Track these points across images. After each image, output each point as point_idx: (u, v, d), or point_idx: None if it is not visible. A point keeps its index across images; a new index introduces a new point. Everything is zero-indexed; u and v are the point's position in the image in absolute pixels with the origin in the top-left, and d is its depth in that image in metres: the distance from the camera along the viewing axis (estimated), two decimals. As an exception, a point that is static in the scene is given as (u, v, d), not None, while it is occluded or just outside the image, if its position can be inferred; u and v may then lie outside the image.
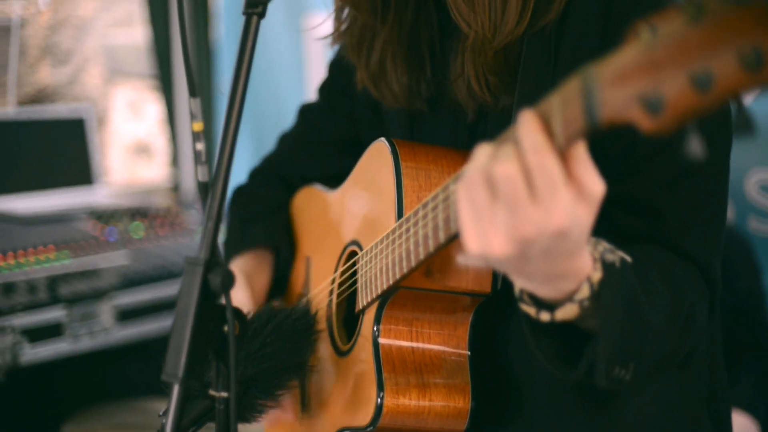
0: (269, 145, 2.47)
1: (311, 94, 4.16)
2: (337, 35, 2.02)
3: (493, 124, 1.81)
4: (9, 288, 3.36)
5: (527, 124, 1.15)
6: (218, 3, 4.80)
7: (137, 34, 5.02)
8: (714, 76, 0.94)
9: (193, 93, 1.51)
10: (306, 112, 2.37)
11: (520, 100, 1.71)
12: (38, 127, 4.32)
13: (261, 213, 2.32)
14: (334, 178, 2.16)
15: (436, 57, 1.95)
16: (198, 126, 1.50)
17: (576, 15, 1.67)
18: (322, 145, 2.31)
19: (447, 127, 1.93)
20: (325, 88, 2.31)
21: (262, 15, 1.51)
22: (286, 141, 2.41)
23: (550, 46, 1.69)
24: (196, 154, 1.52)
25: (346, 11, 1.99)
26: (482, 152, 1.22)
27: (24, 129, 4.27)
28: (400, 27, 1.94)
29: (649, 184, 1.60)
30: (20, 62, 4.76)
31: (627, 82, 1.02)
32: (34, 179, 4.24)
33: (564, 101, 1.11)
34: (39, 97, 4.91)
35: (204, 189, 1.49)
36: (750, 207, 3.22)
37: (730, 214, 3.20)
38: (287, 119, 2.47)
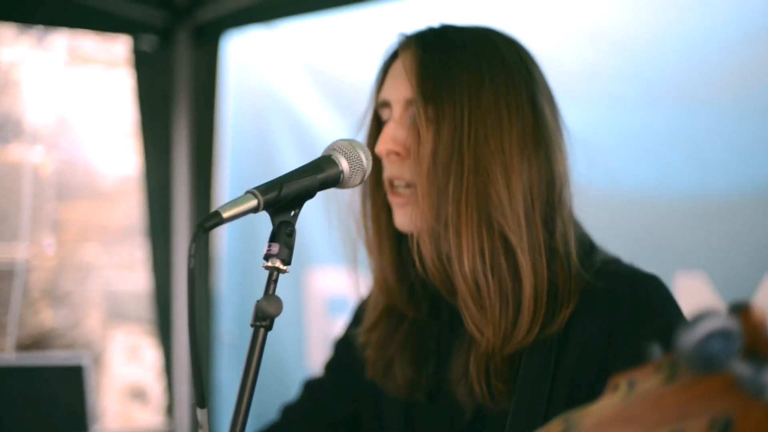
0: (270, 412, 2.49)
1: (311, 353, 4.21)
2: (366, 332, 2.09)
3: (491, 425, 1.85)
4: None
5: None
6: (221, 252, 4.89)
7: (139, 279, 5.11)
8: None
9: (201, 404, 1.54)
10: (310, 386, 2.40)
11: (517, 407, 1.75)
12: (36, 373, 4.32)
13: None
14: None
15: (441, 352, 2.01)
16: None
17: (579, 331, 1.74)
18: (323, 423, 2.33)
19: (443, 421, 1.97)
20: (330, 366, 2.35)
21: (269, 328, 1.57)
22: (288, 413, 2.43)
23: (551, 358, 1.75)
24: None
25: (373, 313, 2.07)
26: None
27: (22, 374, 4.26)
28: (413, 327, 2.01)
29: None
30: (22, 305, 4.81)
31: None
32: (28, 426, 4.21)
33: None
34: (39, 340, 4.94)
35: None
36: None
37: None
38: (287, 386, 2.49)
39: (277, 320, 1.57)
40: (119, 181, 5.26)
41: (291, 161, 4.43)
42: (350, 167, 1.72)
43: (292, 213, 1.64)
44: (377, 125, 1.99)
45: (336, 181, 1.72)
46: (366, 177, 1.77)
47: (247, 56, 4.83)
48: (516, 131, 1.82)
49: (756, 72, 2.71)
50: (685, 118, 2.91)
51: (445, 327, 2.02)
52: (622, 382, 1.06)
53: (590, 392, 1.71)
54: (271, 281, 1.58)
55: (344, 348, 2.26)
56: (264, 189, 1.60)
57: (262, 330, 1.57)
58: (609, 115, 3.15)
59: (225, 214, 1.53)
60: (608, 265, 1.84)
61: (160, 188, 4.83)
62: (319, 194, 1.70)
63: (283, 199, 1.61)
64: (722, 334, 0.92)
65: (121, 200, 5.27)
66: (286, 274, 1.59)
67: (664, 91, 2.99)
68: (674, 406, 0.98)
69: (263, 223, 4.68)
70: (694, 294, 2.81)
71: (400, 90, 1.89)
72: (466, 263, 1.78)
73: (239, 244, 4.72)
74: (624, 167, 3.10)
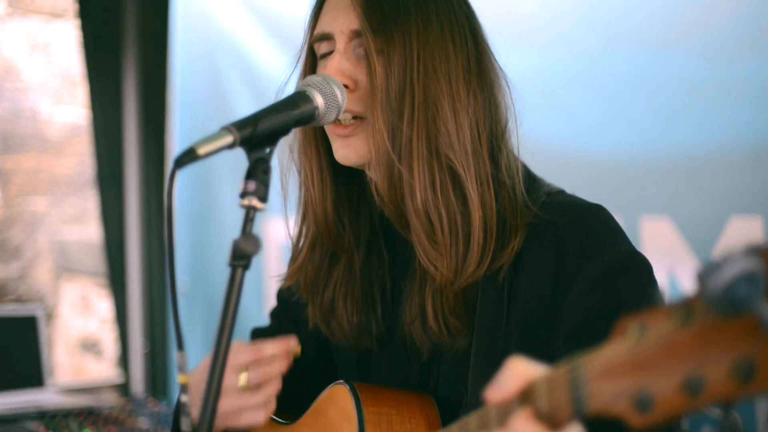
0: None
1: (269, 301, 4.18)
2: (292, 273, 2.06)
3: (447, 364, 1.86)
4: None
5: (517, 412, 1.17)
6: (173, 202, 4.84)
7: (89, 231, 5.05)
8: (705, 382, 0.97)
9: (180, 346, 1.52)
10: (256, 335, 2.38)
11: (478, 342, 1.76)
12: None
13: None
14: (281, 402, 2.17)
15: (387, 297, 2.00)
16: (183, 379, 1.51)
17: (528, 264, 1.76)
18: None
19: (398, 366, 1.97)
20: (275, 315, 2.33)
21: (246, 267, 1.54)
22: None
23: (504, 293, 1.75)
24: (182, 405, 1.53)
25: (301, 252, 2.03)
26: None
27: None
28: (352, 267, 1.99)
29: None
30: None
31: (616, 377, 1.05)
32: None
33: (551, 388, 1.13)
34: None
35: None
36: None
37: None
38: (245, 318, 2.47)
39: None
40: (67, 131, 5.18)
41: (243, 106, 4.38)
42: (325, 103, 1.70)
43: (267, 150, 1.61)
44: (312, 60, 1.96)
45: (311, 117, 1.70)
46: (341, 113, 1.74)
47: (195, 0, 4.76)
48: (461, 65, 1.82)
49: (717, 16, 2.71)
50: (647, 62, 2.91)
51: (386, 272, 2.01)
52: (631, 325, 1.05)
53: (543, 325, 1.72)
54: (248, 219, 1.55)
55: (289, 298, 2.22)
56: (239, 125, 1.57)
57: (239, 269, 1.54)
58: (569, 60, 3.14)
59: (200, 150, 1.50)
60: (553, 197, 1.85)
61: (109, 137, 4.77)
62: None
63: (259, 135, 1.58)
64: (748, 277, 0.91)
65: (69, 151, 5.19)
66: (262, 211, 1.56)
67: (625, 36, 2.98)
68: (691, 350, 0.98)
69: (215, 171, 4.64)
70: (659, 238, 2.82)
71: (344, 22, 1.85)
72: (419, 196, 1.77)
73: (191, 194, 4.68)
74: (585, 113, 3.10)
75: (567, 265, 1.73)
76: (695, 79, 2.75)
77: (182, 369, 1.52)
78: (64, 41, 4.95)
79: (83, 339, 5.26)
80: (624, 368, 1.04)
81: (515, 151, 1.90)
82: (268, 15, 4.40)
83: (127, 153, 4.79)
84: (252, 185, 1.56)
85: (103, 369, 5.20)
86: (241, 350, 1.86)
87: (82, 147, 4.99)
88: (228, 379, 1.83)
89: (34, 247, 5.11)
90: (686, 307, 0.99)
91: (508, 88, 1.91)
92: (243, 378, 1.84)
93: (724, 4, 2.69)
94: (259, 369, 1.87)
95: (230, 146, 1.55)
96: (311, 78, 1.73)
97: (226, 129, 1.56)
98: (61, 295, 5.23)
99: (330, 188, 1.97)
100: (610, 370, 1.06)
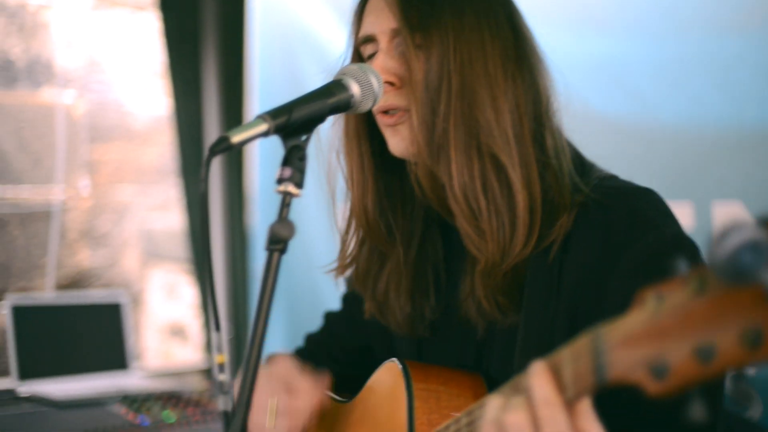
0: (305, 324, 2.53)
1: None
2: (342, 267, 2.11)
3: (501, 341, 1.88)
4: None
5: (539, 377, 1.21)
6: (253, 188, 4.92)
7: (173, 218, 5.15)
8: (716, 349, 0.99)
9: (217, 327, 1.57)
10: (329, 319, 2.46)
11: (526, 321, 1.78)
12: (75, 311, 4.41)
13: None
14: (351, 381, 2.21)
15: (441, 281, 2.03)
16: (221, 359, 1.56)
17: (577, 245, 1.77)
18: (341, 350, 2.38)
19: (454, 346, 2.00)
20: (346, 299, 2.40)
21: (283, 251, 1.58)
22: (309, 342, 2.48)
23: (553, 271, 1.77)
24: (219, 385, 1.58)
25: (352, 243, 2.08)
26: (493, 404, 1.29)
27: (61, 313, 4.35)
28: (405, 259, 2.03)
29: None
30: (60, 246, 4.87)
31: (634, 346, 1.08)
32: (69, 363, 4.30)
33: (575, 357, 1.17)
34: (77, 280, 5.01)
35: (227, 418, 1.54)
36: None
37: None
38: (322, 301, 2.54)
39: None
40: (151, 121, 5.29)
41: (321, 96, 4.41)
42: (361, 91, 1.73)
43: (303, 138, 1.65)
44: (359, 62, 2.00)
45: (347, 105, 1.73)
46: (377, 102, 1.78)
47: (274, -8, 4.82)
48: (498, 51, 1.84)
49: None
50: (716, 46, 2.88)
51: (440, 257, 2.04)
52: (649, 296, 1.07)
53: (590, 303, 1.74)
54: (284, 205, 1.60)
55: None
56: (274, 113, 1.61)
57: (276, 253, 1.58)
58: (639, 44, 3.13)
59: (234, 138, 1.55)
60: (604, 181, 1.86)
61: (190, 128, 4.86)
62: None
63: (294, 123, 1.62)
64: (753, 246, 0.93)
65: (153, 141, 5.30)
66: (298, 197, 1.61)
67: (694, 20, 2.96)
68: (704, 318, 1.00)
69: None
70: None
71: (384, 22, 1.90)
72: (458, 186, 1.81)
73: (269, 181, 4.74)
74: (655, 98, 3.08)
75: (614, 246, 1.74)
76: (764, 61, 2.73)
77: (219, 349, 1.57)
78: (147, 33, 5.05)
79: (170, 324, 5.37)
80: (642, 337, 1.07)
81: (560, 133, 1.92)
82: (345, 4, 4.43)
83: (208, 142, 4.88)
84: (288, 172, 1.60)
85: (189, 354, 5.30)
86: (275, 381, 1.96)
87: (166, 137, 5.10)
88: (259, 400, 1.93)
89: (121, 234, 5.23)
90: (700, 277, 1.01)
91: (550, 71, 1.93)
92: (272, 405, 1.91)
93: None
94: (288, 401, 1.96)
95: (265, 134, 1.59)
96: (347, 67, 1.77)
97: (261, 117, 1.60)
98: (148, 282, 5.35)
99: (371, 187, 2.01)
100: (629, 339, 1.09)
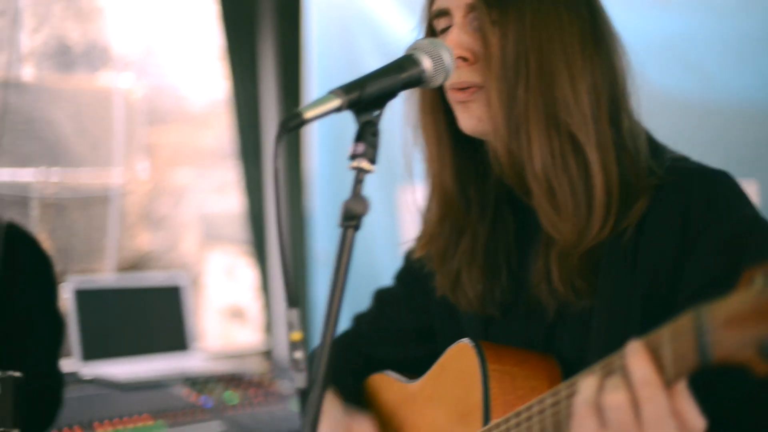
0: (365, 304, 2.50)
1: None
2: (423, 245, 2.09)
3: (573, 324, 1.86)
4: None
5: (638, 357, 1.19)
6: (312, 171, 4.92)
7: (232, 201, 5.17)
8: None
9: (292, 303, 1.55)
10: (381, 297, 2.41)
11: (602, 304, 1.76)
12: (136, 294, 4.45)
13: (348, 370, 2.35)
14: (404, 365, 2.20)
15: (513, 263, 2.01)
16: (296, 336, 1.54)
17: (653, 228, 1.75)
18: (395, 332, 2.34)
19: (523, 327, 1.98)
20: (402, 277, 2.36)
21: (357, 227, 1.57)
22: (359, 322, 2.44)
23: (629, 254, 1.75)
24: (295, 362, 1.56)
25: (432, 220, 2.06)
26: (587, 384, 1.27)
27: (122, 295, 4.39)
28: (477, 237, 2.01)
29: (755, 417, 1.60)
30: (119, 229, 4.91)
31: (741, 326, 1.05)
32: (130, 345, 4.34)
33: (675, 336, 1.15)
34: (137, 263, 5.05)
35: (303, 395, 1.52)
36: None
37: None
38: (378, 282, 2.50)
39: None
40: (208, 104, 5.31)
41: (379, 77, 4.40)
42: (433, 66, 1.71)
43: (375, 113, 1.63)
44: (431, 36, 1.98)
45: (418, 80, 1.71)
46: (448, 77, 1.75)
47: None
48: (576, 30, 1.82)
49: None
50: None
51: (511, 238, 2.02)
52: (757, 275, 1.05)
53: (666, 286, 1.72)
54: (358, 181, 1.58)
55: (416, 263, 2.26)
56: (346, 88, 1.59)
57: (350, 230, 1.57)
58: (703, 21, 3.09)
59: (307, 114, 1.54)
60: (678, 162, 1.84)
61: (248, 110, 4.87)
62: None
63: (366, 98, 1.61)
64: None
65: (210, 123, 5.32)
66: (372, 173, 1.59)
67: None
68: None
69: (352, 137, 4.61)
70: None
71: None
72: (538, 163, 1.79)
73: (330, 163, 4.74)
74: (720, 75, 3.04)
75: (691, 229, 1.72)
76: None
77: (294, 326, 1.56)
78: (204, 15, 5.07)
79: (229, 306, 5.40)
80: (749, 317, 1.05)
81: (636, 115, 1.90)
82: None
83: (265, 125, 4.89)
84: (361, 147, 1.59)
85: (249, 336, 5.32)
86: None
87: (224, 119, 5.11)
88: None
89: (180, 217, 5.26)
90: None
91: (625, 52, 1.91)
92: None
93: None
94: None
95: (337, 109, 1.58)
96: (419, 42, 1.74)
97: (333, 93, 1.58)
98: (207, 264, 5.38)
99: (449, 161, 1.99)
100: (735, 318, 1.06)
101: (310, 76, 4.92)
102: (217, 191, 5.37)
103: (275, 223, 1.53)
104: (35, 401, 2.39)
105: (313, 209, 4.92)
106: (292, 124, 1.53)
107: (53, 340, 2.91)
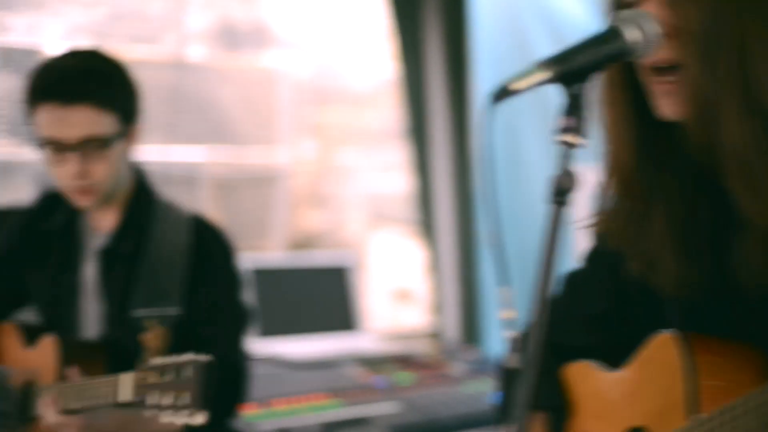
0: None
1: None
2: (600, 222, 2.02)
3: None
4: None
5: None
6: (478, 151, 4.88)
7: (397, 181, 5.17)
8: None
9: (505, 281, 1.53)
10: (572, 280, 2.34)
11: None
12: (304, 273, 4.49)
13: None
14: (595, 351, 2.14)
15: (712, 246, 1.92)
16: (508, 314, 1.52)
17: None
18: (584, 317, 2.28)
19: (724, 315, 1.90)
20: (591, 257, 2.28)
21: (563, 204, 1.53)
22: (556, 307, 2.38)
23: None
24: (510, 341, 1.54)
25: (609, 202, 1.99)
26: None
27: (290, 275, 4.43)
28: (672, 218, 1.93)
29: None
30: (286, 208, 4.97)
31: None
32: (299, 323, 4.38)
33: None
34: (304, 242, 5.10)
35: (509, 374, 1.49)
36: None
37: None
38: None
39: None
40: (373, 84, 5.32)
41: (545, 54, 4.33)
42: (639, 39, 1.65)
43: (584, 86, 1.58)
44: (617, 9, 1.90)
45: (624, 52, 1.65)
46: (652, 49, 1.69)
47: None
48: None
49: None
50: None
51: (716, 214, 1.94)
52: None
53: None
54: (567, 155, 1.53)
55: (606, 242, 2.18)
56: (555, 60, 1.55)
57: (559, 206, 1.53)
58: None
59: (515, 86, 1.51)
60: None
61: (415, 90, 4.85)
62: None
63: (573, 71, 1.56)
64: None
65: (376, 103, 5.33)
66: (583, 147, 1.54)
67: None
68: None
69: (521, 122, 4.62)
70: None
71: None
72: (735, 145, 1.71)
73: (497, 144, 4.68)
74: None
75: None
76: None
77: (506, 304, 1.53)
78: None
79: (396, 287, 5.41)
80: None
81: None
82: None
83: (432, 104, 4.86)
84: (569, 121, 1.54)
85: (416, 317, 5.32)
86: None
87: (389, 100, 5.11)
88: None
89: (346, 197, 5.29)
90: None
91: None
92: None
93: None
94: None
95: (548, 81, 1.54)
96: (623, 13, 1.68)
97: (542, 65, 1.54)
98: (373, 244, 5.40)
99: (632, 140, 1.92)
100: None
101: (477, 57, 4.88)
102: (383, 171, 5.38)
103: (482, 201, 1.50)
104: (224, 385, 2.42)
105: (478, 190, 4.88)
106: (502, 96, 1.50)
107: (239, 328, 2.95)
